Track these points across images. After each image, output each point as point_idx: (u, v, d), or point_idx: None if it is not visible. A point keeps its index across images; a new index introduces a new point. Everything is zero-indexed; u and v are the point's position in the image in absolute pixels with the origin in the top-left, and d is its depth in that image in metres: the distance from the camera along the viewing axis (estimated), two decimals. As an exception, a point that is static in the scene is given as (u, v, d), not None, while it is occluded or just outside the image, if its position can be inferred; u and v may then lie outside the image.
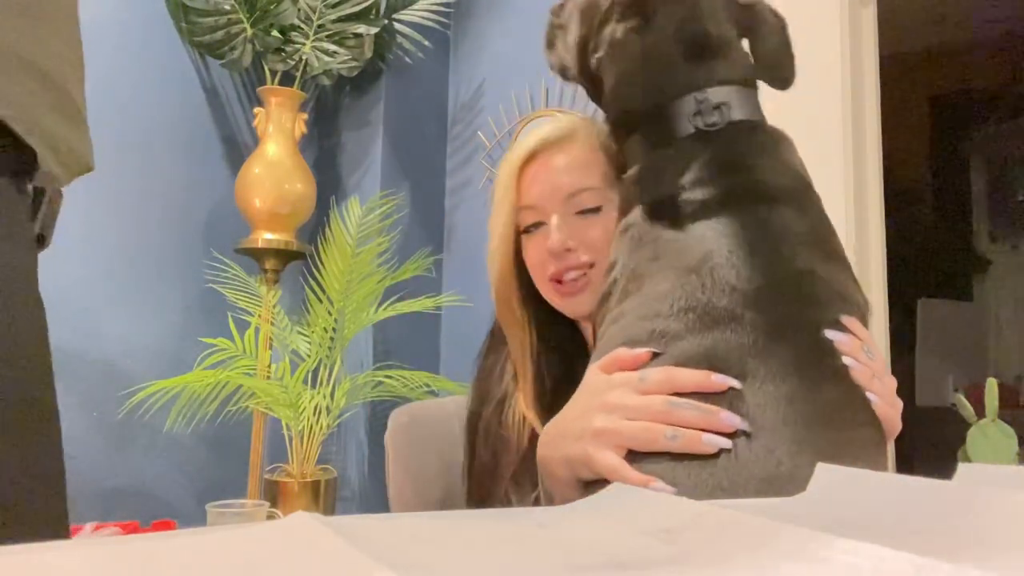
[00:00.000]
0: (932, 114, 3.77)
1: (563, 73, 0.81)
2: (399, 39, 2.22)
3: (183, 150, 2.18)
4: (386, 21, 2.20)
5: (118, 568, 0.22)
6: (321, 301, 1.97)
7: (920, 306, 3.20)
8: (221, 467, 2.12)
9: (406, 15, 2.20)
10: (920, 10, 3.07)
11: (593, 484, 0.61)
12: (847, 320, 0.61)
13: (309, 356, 1.98)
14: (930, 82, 3.64)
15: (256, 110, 2.15)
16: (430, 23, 2.19)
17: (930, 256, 3.50)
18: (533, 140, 0.90)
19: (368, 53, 2.16)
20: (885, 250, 1.62)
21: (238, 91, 2.30)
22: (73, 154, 0.63)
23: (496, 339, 0.96)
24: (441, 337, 2.30)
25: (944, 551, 0.23)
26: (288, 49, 2.13)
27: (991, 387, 1.43)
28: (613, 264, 0.70)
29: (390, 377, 1.99)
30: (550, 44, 0.82)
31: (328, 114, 2.42)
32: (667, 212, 0.65)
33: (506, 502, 0.84)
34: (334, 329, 1.98)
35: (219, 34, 2.10)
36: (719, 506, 0.28)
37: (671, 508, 0.29)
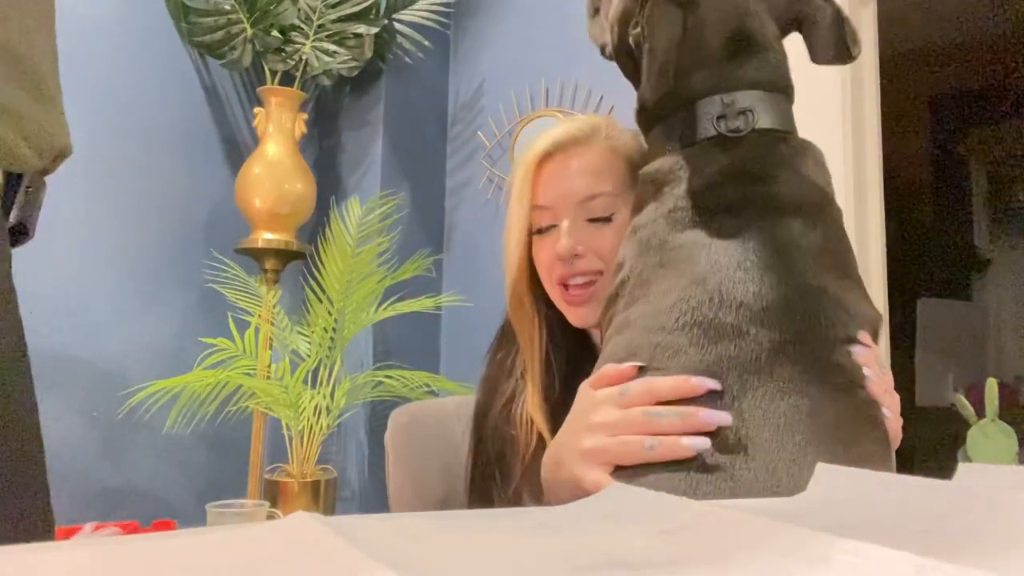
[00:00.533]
0: (932, 114, 3.77)
1: (602, 48, 0.78)
2: (399, 39, 2.22)
3: (183, 150, 2.18)
4: (386, 21, 2.20)
5: (118, 568, 0.22)
6: (321, 301, 1.97)
7: (920, 306, 3.20)
8: (221, 467, 2.12)
9: (406, 15, 2.20)
10: (920, 10, 3.07)
11: None
12: (862, 335, 0.60)
13: (309, 356, 1.98)
14: (930, 82, 3.64)
15: (256, 110, 2.15)
16: (430, 23, 2.19)
17: (930, 256, 3.51)
18: (550, 139, 0.89)
19: (368, 53, 2.16)
20: (885, 250, 1.62)
21: (238, 91, 2.30)
22: (43, 133, 0.61)
23: (507, 334, 0.95)
24: (441, 337, 2.30)
25: (944, 551, 0.23)
26: (288, 49, 2.13)
27: (991, 387, 1.43)
28: (621, 264, 0.69)
29: (390, 377, 1.99)
30: (595, 11, 0.79)
31: (328, 114, 2.42)
32: (679, 218, 0.64)
33: (517, 503, 0.84)
34: (334, 329, 1.98)
35: (219, 34, 2.10)
36: (719, 506, 0.28)
37: (671, 508, 0.29)
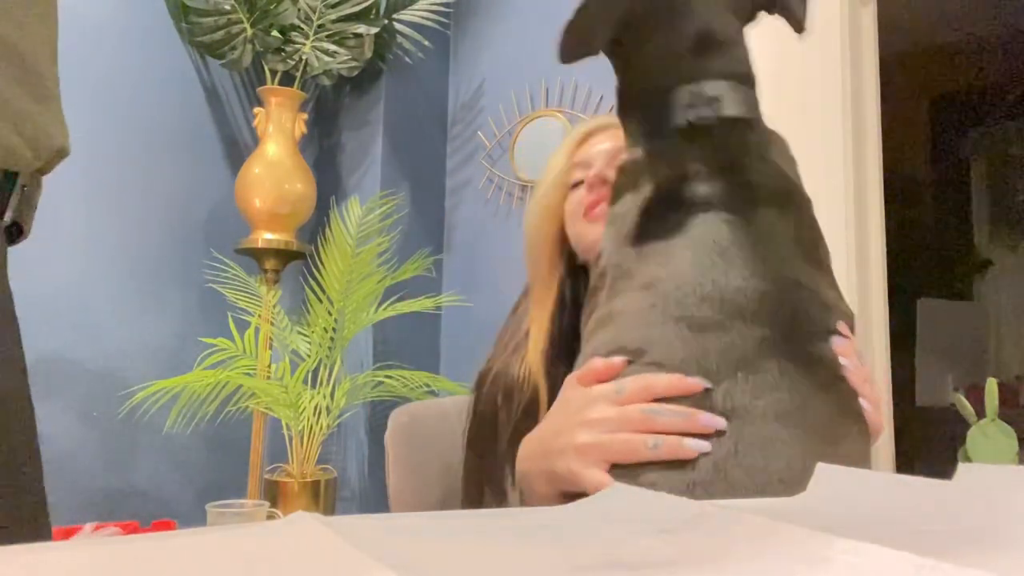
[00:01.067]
0: (932, 114, 3.77)
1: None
2: (399, 39, 2.22)
3: (183, 150, 2.18)
4: (386, 21, 2.20)
5: (118, 568, 0.22)
6: (321, 301, 1.97)
7: (920, 306, 3.20)
8: (221, 467, 2.12)
9: (406, 15, 2.20)
10: (920, 10, 3.07)
11: (575, 496, 0.61)
12: (841, 326, 0.61)
13: (309, 356, 1.98)
14: (930, 82, 3.64)
15: (256, 110, 2.15)
16: (430, 23, 2.19)
17: (930, 256, 3.51)
18: (599, 120, 0.98)
19: (368, 53, 2.16)
20: (885, 250, 1.62)
21: (238, 91, 2.30)
22: (41, 133, 0.61)
23: (526, 299, 0.98)
24: (441, 337, 2.30)
25: (944, 551, 0.23)
26: (288, 49, 2.13)
27: (991, 387, 1.43)
28: (600, 255, 0.70)
29: (390, 377, 1.99)
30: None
31: (328, 114, 2.42)
32: (654, 208, 0.65)
33: (504, 466, 0.85)
34: (334, 329, 1.98)
35: (219, 34, 2.10)
36: (719, 506, 0.28)
37: (671, 508, 0.29)
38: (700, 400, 0.56)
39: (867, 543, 0.22)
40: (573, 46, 0.72)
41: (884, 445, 1.51)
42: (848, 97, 1.55)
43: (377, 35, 2.17)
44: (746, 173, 0.64)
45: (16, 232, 0.62)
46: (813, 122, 1.54)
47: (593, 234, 0.88)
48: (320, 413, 1.90)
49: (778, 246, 0.61)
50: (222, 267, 1.95)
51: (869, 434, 0.60)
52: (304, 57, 2.12)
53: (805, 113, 1.55)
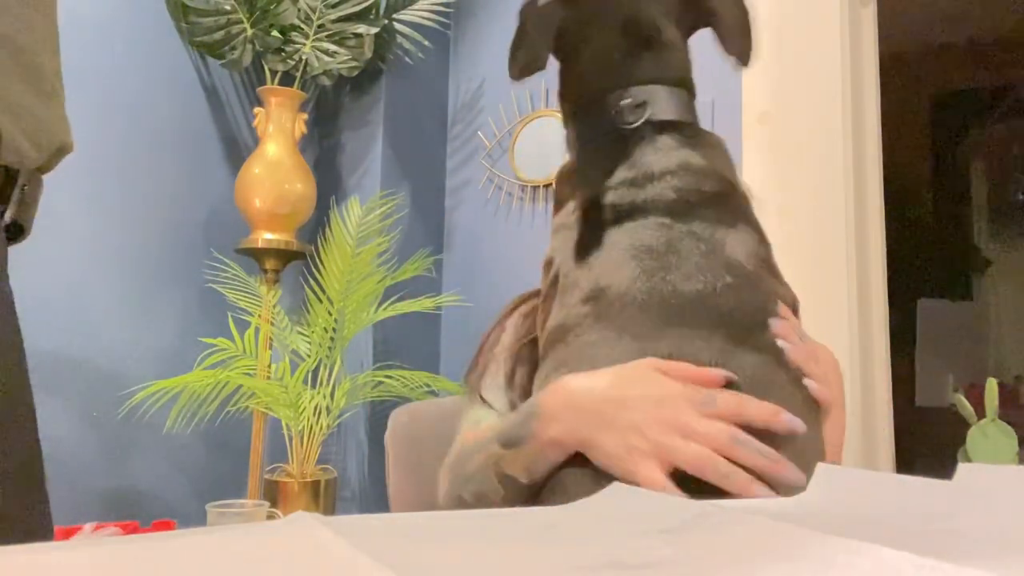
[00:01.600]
0: (932, 114, 3.77)
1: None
2: (399, 39, 2.22)
3: (183, 150, 2.18)
4: (386, 21, 2.20)
5: (118, 568, 0.22)
6: (321, 301, 1.97)
7: (920, 306, 3.20)
8: (221, 467, 2.12)
9: (406, 15, 2.20)
10: (920, 10, 3.07)
11: (576, 465, 0.60)
12: (781, 308, 0.62)
13: (309, 356, 1.98)
14: (930, 82, 3.64)
15: (256, 110, 2.15)
16: (430, 23, 2.19)
17: (930, 256, 3.51)
18: None
19: (368, 53, 2.16)
20: (885, 250, 1.62)
21: (238, 91, 2.30)
22: (42, 128, 0.61)
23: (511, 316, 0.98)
24: (441, 337, 2.30)
25: (944, 551, 0.23)
26: (288, 49, 2.13)
27: (991, 387, 1.43)
28: (550, 262, 0.70)
29: (390, 377, 1.99)
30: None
31: (328, 114, 2.42)
32: (592, 218, 0.65)
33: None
34: (334, 329, 1.98)
35: (219, 34, 2.10)
36: (719, 506, 0.28)
37: (671, 508, 0.29)
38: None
39: (867, 543, 0.22)
40: (520, 65, 0.74)
41: (884, 445, 1.50)
42: (848, 97, 1.55)
43: (377, 35, 2.17)
44: (675, 178, 0.65)
45: (16, 231, 0.62)
46: (813, 122, 1.54)
47: None
48: (320, 413, 1.90)
49: (715, 245, 0.62)
50: (222, 267, 1.95)
51: (818, 410, 0.61)
52: (304, 57, 2.11)
53: (805, 113, 1.55)
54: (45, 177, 0.66)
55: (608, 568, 0.23)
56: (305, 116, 2.17)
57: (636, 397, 0.59)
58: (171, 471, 2.06)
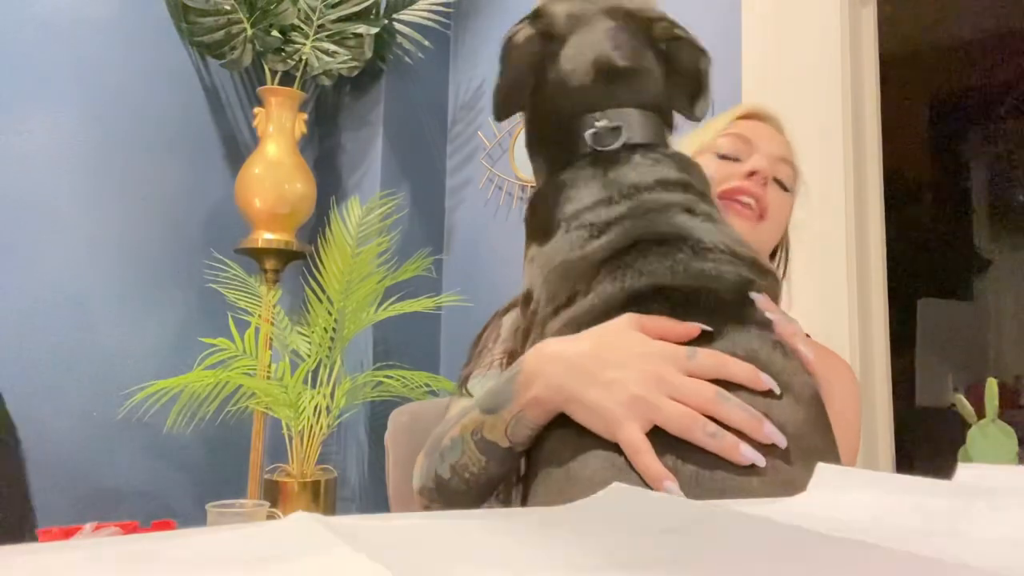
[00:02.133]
0: (932, 114, 3.77)
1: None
2: (399, 39, 2.22)
3: (183, 150, 2.18)
4: (386, 21, 2.20)
5: (118, 568, 0.22)
6: (321, 301, 1.97)
7: (920, 306, 3.20)
8: (221, 467, 2.12)
9: (406, 15, 2.20)
10: (920, 10, 3.07)
11: (561, 428, 0.60)
12: (759, 286, 0.63)
13: (309, 356, 1.98)
14: (930, 82, 3.64)
15: (256, 110, 2.15)
16: (430, 23, 2.19)
17: (930, 256, 3.51)
18: (764, 106, 1.01)
19: (368, 53, 2.16)
20: (885, 250, 1.62)
21: (238, 91, 2.30)
22: None
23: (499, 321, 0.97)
24: (441, 337, 2.30)
25: (944, 551, 0.23)
26: (288, 49, 2.13)
27: (991, 387, 1.43)
28: (529, 295, 0.69)
29: (390, 377, 1.99)
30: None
31: (328, 114, 2.42)
32: (574, 240, 0.65)
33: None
34: (334, 329, 1.98)
35: (219, 34, 2.10)
36: (719, 507, 0.28)
37: (671, 508, 0.29)
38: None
39: (867, 543, 0.22)
40: (505, 108, 0.77)
41: (884, 445, 1.50)
42: (848, 97, 1.55)
43: (377, 35, 2.17)
44: (654, 191, 0.65)
45: None
46: (813, 122, 1.54)
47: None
48: (320, 413, 1.90)
49: (694, 242, 0.63)
50: (222, 267, 1.95)
51: (814, 386, 0.60)
52: (304, 57, 2.11)
53: (805, 113, 1.55)
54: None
55: (608, 568, 0.23)
56: (305, 116, 2.17)
57: (618, 353, 0.58)
58: (171, 471, 2.06)
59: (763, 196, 0.92)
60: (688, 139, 0.98)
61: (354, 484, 2.17)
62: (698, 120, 0.75)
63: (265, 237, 2.05)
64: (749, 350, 0.57)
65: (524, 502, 0.66)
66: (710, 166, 0.92)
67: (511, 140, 2.18)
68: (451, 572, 0.23)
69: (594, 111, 0.69)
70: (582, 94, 0.70)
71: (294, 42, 2.13)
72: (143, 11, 2.11)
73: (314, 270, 2.00)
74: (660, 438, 0.54)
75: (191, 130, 2.20)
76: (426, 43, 2.20)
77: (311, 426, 1.89)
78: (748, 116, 0.99)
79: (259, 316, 1.94)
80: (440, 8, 2.20)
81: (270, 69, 2.13)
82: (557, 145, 0.71)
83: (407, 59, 2.24)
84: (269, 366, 1.95)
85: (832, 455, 0.58)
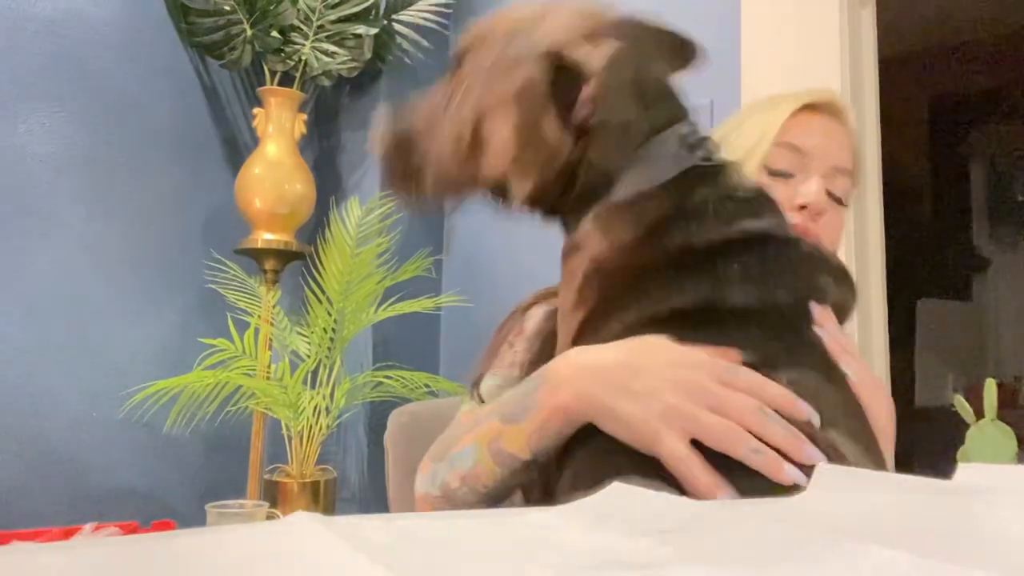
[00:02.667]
0: (931, 115, 3.77)
1: (496, 192, 0.75)
2: (398, 40, 2.22)
3: (183, 150, 2.18)
4: (385, 22, 2.20)
5: (118, 568, 0.22)
6: (321, 301, 1.97)
7: (919, 307, 3.21)
8: (221, 467, 2.12)
9: (405, 16, 2.20)
10: (919, 11, 3.08)
11: (587, 446, 0.56)
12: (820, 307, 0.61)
13: (309, 356, 1.98)
14: (929, 82, 3.64)
15: (256, 110, 2.15)
16: (429, 24, 2.19)
17: (929, 257, 3.51)
18: (821, 93, 0.88)
19: (367, 54, 2.16)
20: (884, 250, 1.62)
21: (238, 91, 2.30)
22: None
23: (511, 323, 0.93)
24: (441, 337, 2.30)
25: (944, 551, 0.23)
26: (288, 50, 2.13)
27: (990, 387, 1.43)
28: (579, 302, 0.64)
29: (390, 378, 1.99)
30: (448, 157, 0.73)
31: (328, 115, 2.42)
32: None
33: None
34: (334, 330, 1.98)
35: (219, 35, 2.10)
36: (719, 506, 0.28)
37: (671, 508, 0.29)
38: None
39: (867, 543, 0.22)
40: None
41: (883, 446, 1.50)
42: (847, 98, 1.55)
43: (376, 36, 2.17)
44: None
45: None
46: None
47: None
48: (320, 413, 1.90)
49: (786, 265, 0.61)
50: (221, 267, 1.95)
51: (860, 405, 0.58)
52: (304, 57, 2.11)
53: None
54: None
55: (608, 568, 0.23)
56: (305, 116, 2.17)
57: (654, 361, 0.55)
58: (171, 471, 2.06)
59: (816, 233, 0.82)
60: (736, 129, 0.88)
61: (354, 484, 2.16)
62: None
63: (265, 237, 2.05)
64: (793, 379, 0.54)
65: None
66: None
67: (511, 140, 2.18)
68: (451, 572, 0.23)
69: (675, 122, 0.66)
70: (650, 111, 0.66)
71: (294, 43, 2.13)
72: (143, 12, 2.11)
73: (314, 271, 2.00)
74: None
75: (190, 130, 2.20)
76: (425, 43, 2.20)
77: (311, 426, 1.89)
78: (808, 108, 0.86)
79: (259, 316, 1.94)
80: (439, 9, 2.20)
81: (270, 70, 2.13)
82: (646, 161, 0.65)
83: (406, 60, 2.24)
84: (269, 367, 1.95)
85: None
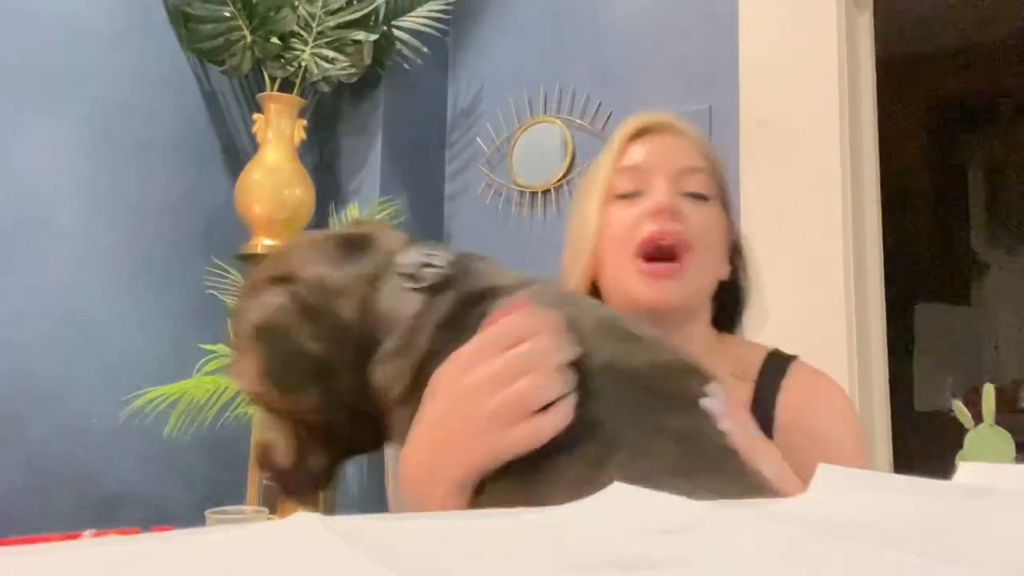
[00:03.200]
0: (929, 118, 3.78)
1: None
2: (398, 46, 2.23)
3: (183, 156, 2.18)
4: (385, 28, 2.20)
5: (118, 568, 0.22)
6: (320, 307, 1.96)
7: (918, 311, 3.21)
8: (220, 473, 2.11)
9: (405, 22, 2.21)
10: (917, 15, 3.09)
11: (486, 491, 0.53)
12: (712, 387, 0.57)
13: (308, 362, 1.98)
14: (927, 86, 3.65)
15: (255, 116, 2.16)
16: (429, 30, 2.20)
17: (928, 261, 3.51)
18: (648, 117, 0.87)
19: (367, 60, 2.16)
20: (882, 255, 1.62)
21: (237, 97, 2.30)
22: None
23: None
24: (440, 343, 2.30)
25: (945, 551, 0.23)
26: (287, 56, 2.13)
27: (988, 392, 1.43)
28: None
29: (389, 383, 1.98)
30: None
31: (327, 120, 2.42)
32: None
33: None
34: (333, 335, 1.98)
35: (219, 41, 2.10)
36: (719, 506, 0.28)
37: (671, 508, 0.29)
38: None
39: (867, 543, 0.22)
40: None
41: (882, 449, 1.50)
42: (845, 103, 1.56)
43: (376, 42, 2.17)
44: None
45: None
46: (810, 128, 1.55)
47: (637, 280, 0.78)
48: (319, 419, 1.89)
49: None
50: (222, 273, 1.95)
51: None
52: (303, 63, 2.12)
53: (802, 119, 1.56)
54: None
55: (608, 568, 0.23)
56: (304, 122, 2.17)
57: (448, 417, 0.55)
58: (170, 477, 2.06)
59: (680, 232, 0.79)
60: (586, 184, 0.88)
61: (354, 485, 2.16)
62: None
63: (264, 243, 2.05)
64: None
65: None
66: (618, 217, 0.82)
67: (510, 146, 2.18)
68: (452, 572, 0.23)
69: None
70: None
71: (293, 49, 2.13)
72: (143, 18, 2.12)
73: (313, 276, 2.00)
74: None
75: (190, 136, 2.20)
76: (424, 50, 2.20)
77: (310, 432, 1.88)
78: (637, 136, 0.86)
79: (258, 322, 1.94)
80: (439, 15, 2.20)
81: (269, 75, 2.14)
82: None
83: (406, 66, 2.24)
84: (268, 372, 1.95)
85: None
